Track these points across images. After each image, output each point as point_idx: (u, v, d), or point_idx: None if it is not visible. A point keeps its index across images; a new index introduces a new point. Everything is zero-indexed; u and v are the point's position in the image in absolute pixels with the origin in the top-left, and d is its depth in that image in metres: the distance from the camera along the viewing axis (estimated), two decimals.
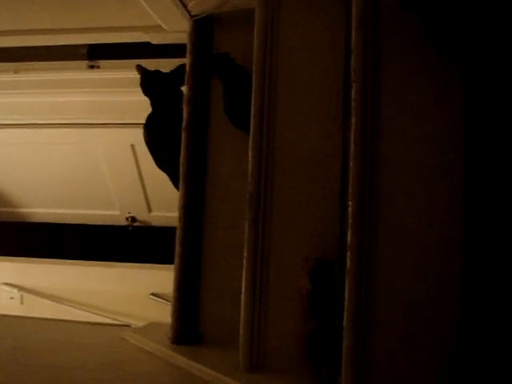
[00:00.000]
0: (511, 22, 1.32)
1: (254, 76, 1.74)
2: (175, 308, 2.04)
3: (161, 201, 4.04)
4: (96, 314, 3.85)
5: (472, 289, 1.36)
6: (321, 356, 1.56)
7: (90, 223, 4.35)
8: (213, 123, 2.04)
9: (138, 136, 3.83)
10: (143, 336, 2.10)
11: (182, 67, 2.14)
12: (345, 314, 1.42)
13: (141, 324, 2.49)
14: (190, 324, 2.02)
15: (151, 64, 3.22)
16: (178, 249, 2.05)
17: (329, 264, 1.56)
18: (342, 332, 1.43)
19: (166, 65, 3.18)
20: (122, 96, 3.56)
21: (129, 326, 2.80)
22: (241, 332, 1.69)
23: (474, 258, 1.37)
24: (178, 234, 2.05)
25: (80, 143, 4.00)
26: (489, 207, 1.39)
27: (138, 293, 3.81)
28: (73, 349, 2.02)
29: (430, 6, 1.37)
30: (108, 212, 4.26)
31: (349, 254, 1.42)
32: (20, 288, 3.96)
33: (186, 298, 2.03)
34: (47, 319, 3.15)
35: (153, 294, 3.76)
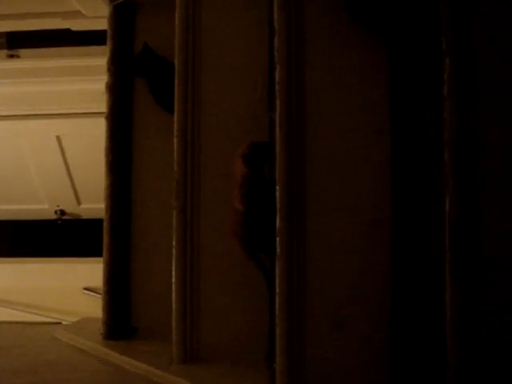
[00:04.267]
0: None
1: (176, 61, 1.70)
2: (106, 302, 1.99)
3: (90, 192, 3.95)
4: (28, 312, 3.74)
5: (403, 276, 1.36)
6: (258, 241, 1.54)
7: (18, 218, 4.21)
8: (137, 110, 1.99)
9: (63, 127, 3.77)
10: (75, 333, 2.05)
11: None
12: (276, 299, 1.40)
13: (75, 320, 2.43)
14: (122, 318, 1.98)
15: (73, 51, 3.15)
16: (105, 240, 2.00)
17: (263, 144, 1.53)
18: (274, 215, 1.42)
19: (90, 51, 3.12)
20: (45, 86, 3.45)
21: (60, 323, 2.73)
22: (173, 323, 1.67)
23: (404, 245, 1.37)
24: (105, 225, 2.00)
25: (3, 136, 3.86)
26: (415, 190, 1.39)
27: (71, 287, 3.73)
28: (3, 352, 1.95)
29: None
30: (36, 206, 4.13)
31: (278, 239, 1.40)
32: None
33: (117, 292, 1.98)
34: None
35: (86, 289, 3.69)
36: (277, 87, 1.44)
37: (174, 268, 1.67)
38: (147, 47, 1.95)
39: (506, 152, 1.21)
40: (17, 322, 2.88)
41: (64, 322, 3.32)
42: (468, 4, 1.23)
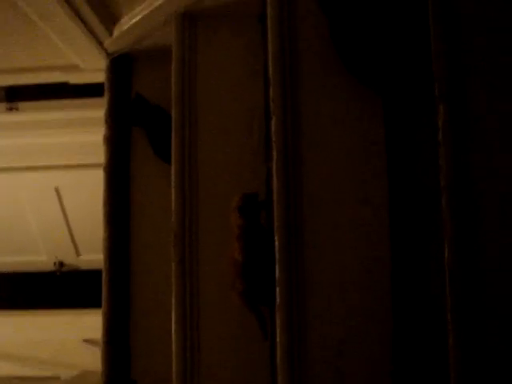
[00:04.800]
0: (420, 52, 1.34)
1: (173, 112, 1.72)
2: (105, 355, 1.96)
3: (89, 243, 3.94)
4: (27, 366, 3.69)
5: (404, 321, 1.35)
6: (257, 293, 1.52)
7: (16, 270, 4.19)
8: (135, 162, 2.00)
9: (62, 178, 3.79)
10: None
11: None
12: (277, 350, 1.39)
13: (75, 372, 2.40)
14: (121, 370, 1.94)
15: (72, 104, 3.18)
16: (104, 292, 1.98)
17: (255, 196, 1.52)
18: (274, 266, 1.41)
19: (88, 103, 3.16)
20: (44, 138, 3.48)
21: (58, 377, 2.69)
22: (173, 376, 1.64)
23: (404, 291, 1.37)
24: (104, 276, 1.98)
25: (2, 188, 3.87)
26: (413, 234, 1.39)
27: (71, 340, 3.69)
28: None
29: (349, 41, 1.40)
30: (34, 258, 4.12)
31: (278, 290, 1.39)
32: None
33: (116, 344, 1.96)
34: None
35: (85, 340, 3.65)
36: (273, 137, 1.45)
37: (173, 321, 1.65)
38: (139, 96, 1.97)
39: (502, 197, 1.21)
40: (14, 378, 2.84)
41: (63, 376, 3.29)
42: (461, 53, 1.25)
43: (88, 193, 3.55)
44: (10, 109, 3.42)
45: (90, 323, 3.47)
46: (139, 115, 1.96)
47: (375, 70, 1.40)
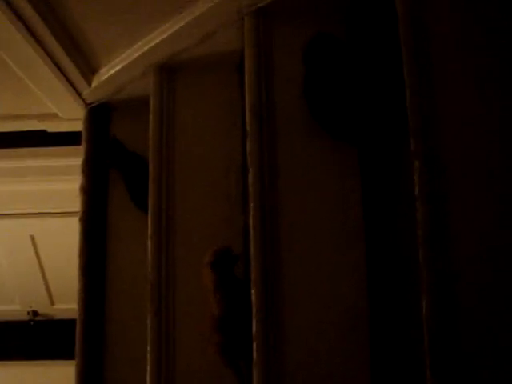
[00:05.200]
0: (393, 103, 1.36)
1: (150, 164, 1.72)
2: None
3: (64, 292, 3.87)
4: None
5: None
6: (235, 349, 1.50)
7: None
8: (111, 212, 1.98)
9: (37, 226, 3.74)
10: None
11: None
12: None
13: None
14: None
15: (48, 152, 3.17)
16: (78, 346, 1.93)
17: (227, 250, 1.51)
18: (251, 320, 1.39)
19: (65, 151, 3.14)
20: (19, 185, 3.44)
21: None
22: None
23: (383, 348, 1.36)
24: (77, 329, 1.94)
25: None
26: (391, 290, 1.39)
27: None
28: None
29: (322, 95, 1.42)
30: (7, 307, 4.04)
31: (255, 344, 1.36)
32: None
33: None
34: None
35: None
36: (250, 190, 1.45)
37: (148, 374, 1.61)
38: (116, 140, 1.97)
39: (479, 251, 1.21)
40: None
41: None
42: (437, 106, 1.27)
43: (64, 241, 3.51)
44: None
45: (63, 375, 3.39)
46: (116, 158, 1.96)
47: (349, 123, 1.42)
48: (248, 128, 1.49)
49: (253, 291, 1.39)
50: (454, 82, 1.27)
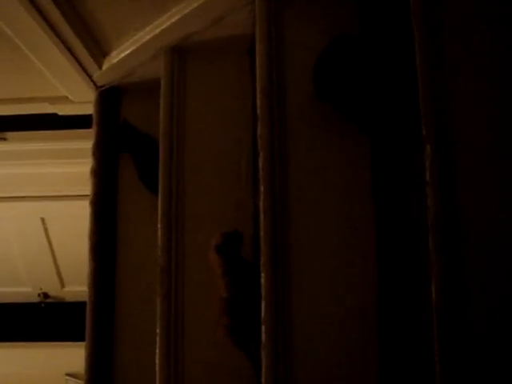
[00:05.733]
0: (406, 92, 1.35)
1: (160, 146, 1.71)
2: None
3: (74, 275, 3.90)
4: None
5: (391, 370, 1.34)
6: (244, 330, 1.51)
7: (0, 301, 4.14)
8: (122, 195, 1.98)
9: (48, 209, 3.76)
10: None
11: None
12: None
13: None
14: None
15: (60, 135, 3.18)
16: (88, 327, 1.94)
17: (234, 234, 1.52)
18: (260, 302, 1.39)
19: (76, 134, 3.15)
20: (31, 168, 3.46)
21: None
22: None
23: (392, 336, 1.35)
24: (88, 311, 1.95)
25: None
26: (401, 276, 1.38)
27: (53, 374, 3.62)
28: None
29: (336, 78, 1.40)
30: (18, 289, 4.07)
31: (263, 328, 1.37)
32: None
33: (99, 381, 1.92)
34: None
35: (68, 375, 3.58)
36: (260, 173, 1.44)
37: (157, 356, 1.62)
38: (126, 122, 1.96)
39: (490, 237, 1.20)
40: None
41: None
42: (448, 92, 1.26)
43: (74, 224, 3.52)
44: None
45: (73, 356, 3.43)
46: (127, 141, 1.95)
47: (361, 107, 1.41)
48: (259, 111, 1.48)
49: (262, 274, 1.39)
50: (466, 67, 1.27)
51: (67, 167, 3.31)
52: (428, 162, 1.21)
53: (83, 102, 2.32)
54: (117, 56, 1.92)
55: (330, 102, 1.42)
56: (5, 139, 3.41)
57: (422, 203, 1.24)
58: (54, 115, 2.69)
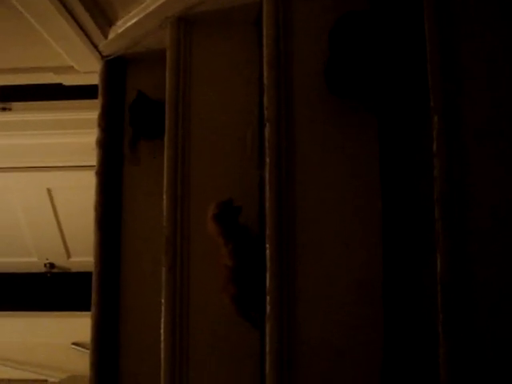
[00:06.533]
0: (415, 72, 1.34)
1: (166, 116, 1.70)
2: (93, 361, 1.94)
3: (80, 245, 3.92)
4: (14, 368, 3.66)
5: (395, 344, 1.35)
6: (249, 299, 1.52)
7: (6, 271, 4.16)
8: (127, 166, 1.98)
9: (54, 180, 3.77)
10: None
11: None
12: (266, 359, 1.38)
13: (63, 376, 2.38)
14: (109, 378, 1.92)
15: (65, 105, 3.17)
16: (94, 298, 1.96)
17: (229, 202, 1.54)
18: (265, 272, 1.41)
19: (81, 105, 3.14)
20: (36, 139, 3.46)
21: (46, 380, 2.67)
22: (162, 382, 1.62)
23: (396, 308, 1.36)
24: (93, 281, 1.96)
25: None
26: (406, 249, 1.38)
27: (60, 343, 3.66)
28: None
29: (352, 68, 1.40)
30: (25, 259, 4.09)
31: (268, 298, 1.38)
32: None
33: (105, 351, 1.93)
34: None
35: (74, 344, 3.62)
36: (266, 144, 1.44)
37: (162, 327, 1.63)
38: (142, 94, 1.94)
39: (496, 208, 1.20)
40: (2, 380, 2.81)
41: (51, 379, 3.26)
42: (456, 63, 1.25)
43: (80, 194, 3.53)
44: (3, 109, 3.40)
45: (79, 326, 3.46)
46: (139, 114, 1.93)
47: (368, 82, 1.39)
48: (265, 81, 1.48)
49: (267, 245, 1.40)
50: (476, 39, 1.25)
51: (72, 137, 3.31)
52: (435, 133, 1.21)
53: (89, 71, 2.30)
54: (123, 26, 1.90)
55: (339, 80, 1.41)
56: (10, 109, 3.41)
57: (429, 178, 1.23)
58: (59, 85, 2.67)
